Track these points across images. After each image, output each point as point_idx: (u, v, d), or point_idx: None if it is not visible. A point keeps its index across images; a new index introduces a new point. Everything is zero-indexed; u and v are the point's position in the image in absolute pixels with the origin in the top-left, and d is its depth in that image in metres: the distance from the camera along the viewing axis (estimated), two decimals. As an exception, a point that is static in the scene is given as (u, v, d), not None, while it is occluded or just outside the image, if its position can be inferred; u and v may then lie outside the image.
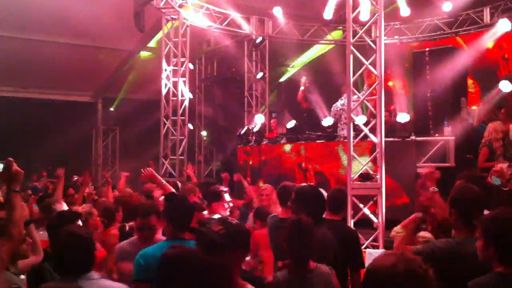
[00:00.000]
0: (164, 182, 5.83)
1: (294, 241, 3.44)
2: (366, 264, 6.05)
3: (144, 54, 15.94)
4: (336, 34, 14.31)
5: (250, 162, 10.91)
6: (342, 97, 9.78)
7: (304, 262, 3.43)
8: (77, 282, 2.85)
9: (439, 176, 4.13)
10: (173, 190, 5.71)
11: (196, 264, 2.44)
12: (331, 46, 14.45)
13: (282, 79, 15.98)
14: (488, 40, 12.08)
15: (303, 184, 7.81)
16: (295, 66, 16.03)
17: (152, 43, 15.14)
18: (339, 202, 4.77)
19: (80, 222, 4.39)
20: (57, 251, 3.09)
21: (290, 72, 16.18)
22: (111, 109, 18.43)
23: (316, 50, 15.59)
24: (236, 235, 2.68)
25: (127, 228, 5.30)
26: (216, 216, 3.16)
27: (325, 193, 4.62)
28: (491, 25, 11.83)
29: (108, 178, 8.23)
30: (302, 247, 3.43)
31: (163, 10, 11.54)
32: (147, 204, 4.52)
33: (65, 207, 5.07)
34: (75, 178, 11.41)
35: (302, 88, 11.46)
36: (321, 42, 14.54)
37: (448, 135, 7.94)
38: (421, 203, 3.90)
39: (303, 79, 11.63)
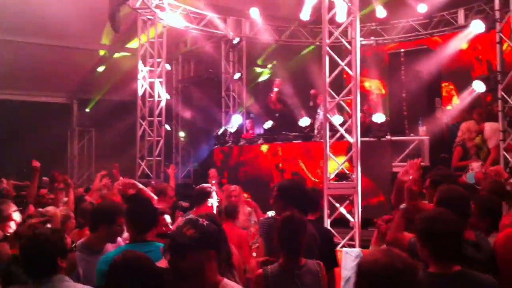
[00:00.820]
0: (142, 187, 5.64)
1: (287, 236, 3.48)
2: (342, 263, 6.12)
3: (120, 54, 15.80)
4: (313, 35, 14.36)
5: (227, 163, 10.88)
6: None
7: (296, 257, 3.48)
8: (42, 285, 2.87)
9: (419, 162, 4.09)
10: (153, 195, 5.54)
11: (143, 270, 2.57)
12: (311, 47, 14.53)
13: (259, 80, 16.00)
14: (462, 41, 12.26)
15: (284, 180, 7.87)
16: (272, 67, 16.07)
17: (128, 44, 15.01)
18: (314, 202, 4.80)
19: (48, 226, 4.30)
20: (20, 254, 3.08)
21: (267, 73, 16.21)
22: (87, 110, 18.22)
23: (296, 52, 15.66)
24: (208, 237, 2.67)
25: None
26: (189, 217, 3.13)
27: None
28: (465, 26, 12.00)
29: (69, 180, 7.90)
30: (294, 242, 3.48)
31: (139, 11, 11.45)
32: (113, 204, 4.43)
33: (13, 208, 4.88)
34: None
35: (275, 89, 11.47)
36: (298, 43, 14.57)
37: (423, 134, 8.02)
38: (408, 189, 3.86)
39: (276, 81, 11.68)
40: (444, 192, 3.67)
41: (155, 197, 5.51)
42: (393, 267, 1.95)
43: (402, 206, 3.80)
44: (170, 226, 4.68)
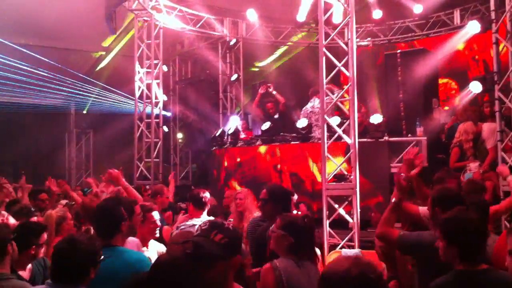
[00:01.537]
0: (128, 185, 5.46)
1: (306, 234, 3.53)
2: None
3: (116, 56, 15.79)
4: (310, 36, 14.39)
5: (226, 164, 10.89)
6: (311, 100, 9.82)
7: (311, 255, 3.55)
8: None
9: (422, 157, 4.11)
10: (139, 195, 5.44)
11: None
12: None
13: (256, 81, 16.01)
14: (458, 41, 12.31)
15: (272, 183, 7.88)
16: (269, 67, 16.10)
17: (125, 45, 15.01)
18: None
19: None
20: (54, 257, 2.97)
21: (265, 73, 16.24)
22: (84, 112, 18.20)
23: (292, 53, 15.70)
24: (236, 242, 2.52)
25: (91, 231, 5.16)
26: (205, 219, 3.03)
27: None
28: (461, 27, 12.05)
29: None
30: (312, 240, 3.59)
31: (136, 12, 11.44)
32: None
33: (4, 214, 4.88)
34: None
35: (261, 91, 11.44)
36: (295, 44, 14.60)
37: (420, 135, 8.05)
38: (398, 183, 3.87)
39: (262, 84, 11.71)
40: (439, 192, 3.71)
41: (139, 196, 5.43)
42: (365, 278, 1.88)
43: (392, 200, 3.84)
44: (158, 223, 4.69)
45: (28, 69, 14.48)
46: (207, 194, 5.48)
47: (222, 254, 2.35)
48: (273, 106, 11.10)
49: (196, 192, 5.48)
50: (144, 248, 4.34)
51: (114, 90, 15.98)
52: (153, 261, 2.76)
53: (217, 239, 2.38)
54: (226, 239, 2.39)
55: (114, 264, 3.20)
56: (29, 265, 3.86)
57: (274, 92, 11.31)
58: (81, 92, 17.16)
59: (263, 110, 11.43)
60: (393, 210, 3.78)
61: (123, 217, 3.55)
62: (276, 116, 10.99)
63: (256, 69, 16.67)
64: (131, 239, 4.00)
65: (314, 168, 8.91)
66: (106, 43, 15.19)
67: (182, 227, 4.92)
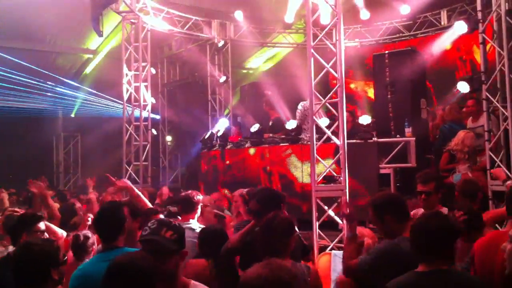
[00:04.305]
0: (140, 194, 5.17)
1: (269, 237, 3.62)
2: (332, 265, 6.13)
3: (104, 59, 15.70)
4: (298, 37, 14.41)
5: (215, 166, 10.85)
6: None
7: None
8: None
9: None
10: (149, 204, 5.27)
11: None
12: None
13: (245, 83, 16.01)
14: (445, 42, 12.38)
15: (261, 187, 7.85)
16: (258, 69, 16.09)
17: (112, 48, 14.93)
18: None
19: (42, 225, 4.29)
20: (11, 262, 3.01)
21: (253, 75, 16.23)
22: (72, 115, 18.08)
23: (280, 54, 15.69)
24: (183, 237, 2.76)
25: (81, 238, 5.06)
26: (160, 219, 3.17)
27: None
28: (448, 27, 12.12)
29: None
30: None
31: (122, 14, 11.38)
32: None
33: None
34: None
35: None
36: (283, 45, 14.61)
37: (408, 136, 8.06)
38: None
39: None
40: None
41: (149, 203, 5.31)
42: (280, 281, 1.90)
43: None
44: None
45: (15, 72, 14.36)
46: (200, 197, 5.46)
47: (175, 248, 2.64)
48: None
49: (186, 195, 5.45)
50: None
51: (101, 94, 15.89)
52: None
53: (167, 236, 2.64)
54: (176, 235, 2.67)
55: None
56: None
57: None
58: (68, 96, 17.06)
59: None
60: (350, 243, 3.90)
61: (125, 219, 3.72)
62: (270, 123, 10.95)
63: (244, 71, 16.65)
64: None
65: (301, 170, 8.90)
66: (93, 46, 15.08)
67: None
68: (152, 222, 2.77)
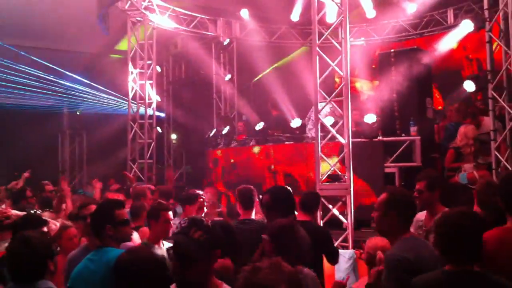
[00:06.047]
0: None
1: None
2: (336, 265, 6.10)
3: (110, 57, 15.72)
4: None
5: (220, 165, 10.84)
6: None
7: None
8: None
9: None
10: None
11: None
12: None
13: (251, 81, 15.97)
14: (452, 41, 12.31)
15: (275, 186, 7.84)
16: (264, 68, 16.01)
17: (118, 46, 14.94)
18: (313, 204, 4.97)
19: (45, 229, 4.28)
20: (8, 257, 3.00)
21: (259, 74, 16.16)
22: (78, 113, 18.10)
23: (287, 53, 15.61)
24: (216, 237, 2.56)
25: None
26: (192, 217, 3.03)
27: None
28: (454, 26, 12.05)
29: None
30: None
31: (128, 13, 11.39)
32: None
33: None
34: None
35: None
36: (289, 43, 14.56)
37: (414, 135, 8.02)
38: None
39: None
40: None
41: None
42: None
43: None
44: (172, 223, 4.66)
45: (21, 69, 14.41)
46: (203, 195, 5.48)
47: (201, 253, 2.38)
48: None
49: (190, 193, 5.47)
50: (156, 246, 4.31)
51: (108, 91, 15.90)
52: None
53: (196, 236, 2.39)
54: (206, 235, 2.41)
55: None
56: None
57: None
58: (74, 93, 17.08)
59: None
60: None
61: (106, 221, 3.52)
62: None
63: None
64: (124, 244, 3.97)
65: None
66: (99, 44, 15.08)
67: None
68: (185, 219, 2.58)
